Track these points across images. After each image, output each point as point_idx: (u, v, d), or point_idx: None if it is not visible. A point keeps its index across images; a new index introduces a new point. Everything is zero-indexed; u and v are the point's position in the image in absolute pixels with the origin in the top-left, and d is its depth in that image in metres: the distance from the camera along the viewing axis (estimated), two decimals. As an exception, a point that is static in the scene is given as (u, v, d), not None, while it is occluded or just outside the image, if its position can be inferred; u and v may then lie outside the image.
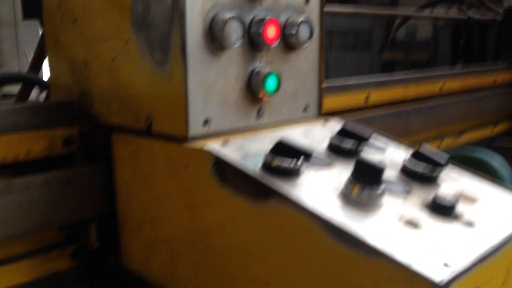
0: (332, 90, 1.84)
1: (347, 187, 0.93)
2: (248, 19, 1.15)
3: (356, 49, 13.33)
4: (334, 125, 1.28)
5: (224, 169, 1.00)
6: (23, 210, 1.10)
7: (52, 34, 1.34)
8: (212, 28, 1.08)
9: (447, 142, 2.31)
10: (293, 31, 1.22)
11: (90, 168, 1.22)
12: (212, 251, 1.05)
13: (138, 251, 1.21)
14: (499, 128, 2.77)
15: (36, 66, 1.75)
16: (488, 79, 2.66)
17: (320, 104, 1.37)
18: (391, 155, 1.16)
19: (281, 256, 0.93)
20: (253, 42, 1.16)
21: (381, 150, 1.18)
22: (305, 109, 1.33)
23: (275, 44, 1.18)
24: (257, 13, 1.16)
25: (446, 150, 2.18)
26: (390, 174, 1.06)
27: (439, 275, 0.75)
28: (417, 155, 1.06)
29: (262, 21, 1.15)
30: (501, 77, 2.75)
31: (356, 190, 0.92)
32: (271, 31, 1.17)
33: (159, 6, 1.07)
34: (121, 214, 1.24)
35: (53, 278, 1.22)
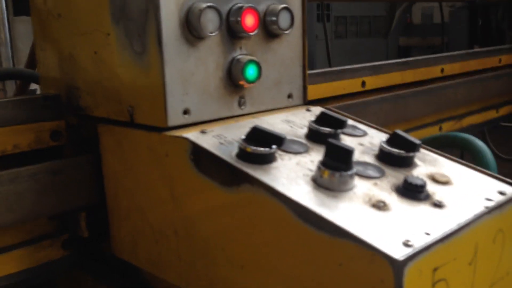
0: (327, 76, 1.84)
1: (318, 171, 0.94)
2: (226, 8, 1.16)
3: (372, 35, 13.20)
4: (317, 112, 1.29)
5: (200, 156, 1.02)
6: (11, 201, 1.14)
7: (40, 29, 1.37)
8: (188, 18, 1.10)
9: (447, 127, 2.29)
10: (274, 19, 1.23)
11: (77, 159, 1.25)
12: (193, 236, 1.07)
13: (126, 239, 1.24)
14: (502, 111, 2.73)
15: (32, 62, 1.79)
16: (491, 61, 2.62)
17: (305, 92, 1.37)
18: (370, 141, 1.17)
19: (254, 239, 0.95)
20: (232, 30, 1.18)
21: (360, 136, 1.19)
22: (289, 97, 1.34)
23: (255, 32, 1.19)
24: (237, 1, 1.17)
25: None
26: (366, 158, 1.07)
27: (398, 253, 0.76)
28: (392, 139, 1.06)
29: (240, 10, 1.16)
30: (504, 58, 2.70)
31: (326, 174, 0.93)
32: (249, 20, 1.18)
33: (134, -2, 1.09)
34: (110, 203, 1.27)
35: (45, 267, 1.25)
